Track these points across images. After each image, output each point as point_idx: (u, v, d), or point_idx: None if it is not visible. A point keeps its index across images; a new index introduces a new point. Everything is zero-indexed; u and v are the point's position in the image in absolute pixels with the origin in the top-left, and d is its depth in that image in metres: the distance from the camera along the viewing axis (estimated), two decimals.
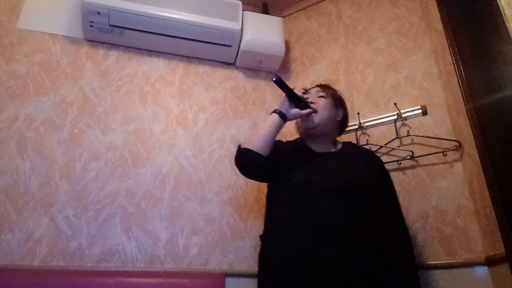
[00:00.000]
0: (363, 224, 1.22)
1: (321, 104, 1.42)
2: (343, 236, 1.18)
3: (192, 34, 1.95)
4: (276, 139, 1.36)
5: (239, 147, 1.34)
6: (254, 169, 1.36)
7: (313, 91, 1.49)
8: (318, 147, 1.43)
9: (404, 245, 1.33)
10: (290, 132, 1.86)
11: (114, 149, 1.77)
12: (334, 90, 1.53)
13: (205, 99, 2.03)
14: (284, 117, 1.35)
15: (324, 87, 1.52)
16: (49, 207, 1.59)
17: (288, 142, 1.53)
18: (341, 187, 1.25)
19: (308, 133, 1.45)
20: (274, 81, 1.32)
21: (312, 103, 1.41)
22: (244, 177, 1.42)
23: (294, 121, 1.48)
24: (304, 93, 1.51)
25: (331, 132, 1.46)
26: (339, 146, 1.47)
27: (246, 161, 1.32)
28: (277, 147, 1.38)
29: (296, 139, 1.53)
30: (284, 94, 1.37)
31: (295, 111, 1.36)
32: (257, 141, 1.30)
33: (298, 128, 1.54)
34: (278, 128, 1.34)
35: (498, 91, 1.34)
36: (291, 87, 1.38)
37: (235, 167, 1.37)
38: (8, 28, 1.83)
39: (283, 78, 2.22)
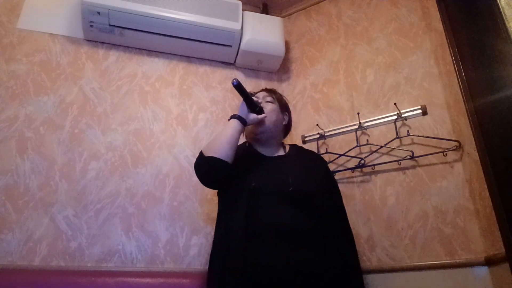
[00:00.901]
0: (312, 226, 1.25)
1: (268, 109, 1.45)
2: (294, 237, 1.21)
3: (192, 34, 1.95)
4: None
5: (202, 154, 1.30)
6: (220, 178, 1.32)
7: (260, 95, 1.52)
8: (266, 151, 1.45)
9: (349, 246, 1.38)
10: None
11: (114, 149, 1.77)
12: (280, 95, 1.56)
13: (205, 99, 2.03)
14: (244, 122, 1.36)
15: (271, 91, 1.55)
16: (49, 207, 1.59)
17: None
18: (296, 190, 1.27)
19: (256, 137, 1.47)
20: (234, 85, 1.32)
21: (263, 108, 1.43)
22: None
23: None
24: (253, 95, 1.52)
25: (277, 136, 1.50)
26: (287, 149, 1.51)
27: (213, 170, 1.28)
28: None
29: (243, 144, 1.51)
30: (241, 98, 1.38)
31: (254, 116, 1.38)
32: (222, 148, 1.27)
33: (244, 133, 1.52)
34: (240, 133, 1.34)
35: (498, 91, 1.34)
36: (248, 90, 1.40)
37: None
38: (8, 28, 1.83)
39: (282, 78, 2.24)
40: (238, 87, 1.33)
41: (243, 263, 1.17)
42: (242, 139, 1.45)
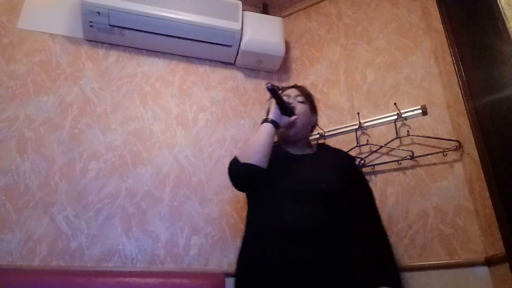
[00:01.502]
0: (341, 224, 1.24)
1: (300, 111, 1.42)
2: (325, 236, 1.20)
3: (192, 34, 1.95)
4: None
5: (237, 160, 1.31)
6: (254, 184, 1.32)
7: (292, 93, 1.48)
8: (294, 150, 1.45)
9: (383, 244, 1.33)
10: None
11: (114, 149, 1.77)
12: (309, 93, 1.53)
13: (205, 99, 2.03)
14: (276, 126, 1.35)
15: (302, 90, 1.51)
16: (49, 207, 1.59)
17: None
18: (326, 189, 1.26)
19: (287, 139, 1.46)
20: (269, 89, 1.30)
21: (294, 108, 1.41)
22: None
23: None
24: (282, 93, 1.51)
25: (307, 136, 1.50)
26: (315, 148, 1.50)
27: (248, 177, 1.29)
28: None
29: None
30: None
31: (286, 119, 1.37)
32: (258, 155, 1.27)
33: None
34: (273, 137, 1.33)
35: (498, 91, 1.34)
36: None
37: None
38: (8, 28, 1.83)
39: (282, 78, 2.24)
40: (272, 91, 1.30)
41: (272, 261, 1.18)
42: None
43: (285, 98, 1.44)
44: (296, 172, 1.34)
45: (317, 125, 1.57)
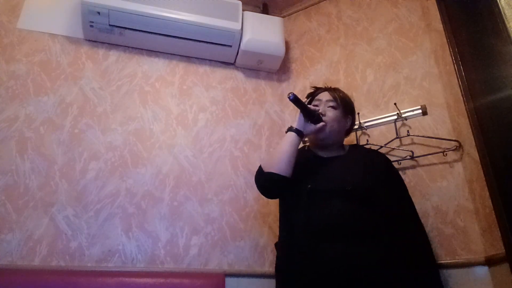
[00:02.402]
0: (373, 222, 1.26)
1: (330, 116, 1.41)
2: (356, 235, 1.22)
3: (192, 34, 1.95)
4: None
5: (262, 170, 1.33)
6: (279, 192, 1.38)
7: (323, 98, 1.46)
8: (325, 153, 1.45)
9: (419, 242, 1.34)
10: None
11: (114, 149, 1.77)
12: (343, 95, 1.50)
13: (205, 99, 2.03)
14: (301, 135, 1.35)
15: (334, 92, 1.48)
16: (49, 207, 1.59)
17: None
18: (353, 189, 1.27)
19: (317, 143, 1.47)
20: (291, 99, 1.29)
21: (322, 114, 1.40)
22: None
23: None
24: (313, 98, 1.51)
25: (339, 140, 1.49)
26: (346, 149, 1.49)
27: (273, 187, 1.33)
28: None
29: (303, 147, 1.54)
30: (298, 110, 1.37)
31: (311, 128, 1.37)
32: (281, 164, 1.30)
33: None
34: (297, 145, 1.35)
35: (498, 91, 1.34)
36: (306, 99, 1.39)
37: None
38: (8, 28, 1.83)
39: (282, 78, 2.24)
40: (295, 100, 1.30)
41: (304, 261, 1.21)
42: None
43: (316, 103, 1.45)
44: (324, 174, 1.36)
45: (353, 127, 1.55)
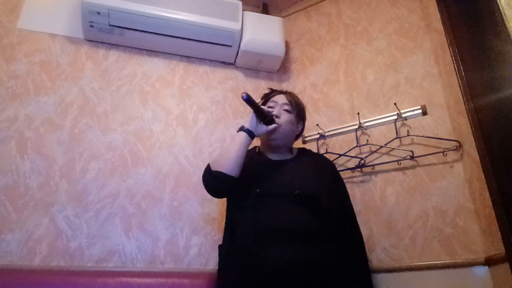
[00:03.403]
0: (317, 227, 1.28)
1: (284, 119, 1.43)
2: (299, 238, 1.24)
3: (192, 34, 1.95)
4: None
5: (210, 168, 1.33)
6: (226, 191, 1.38)
7: (279, 100, 1.48)
8: (274, 156, 1.47)
9: (358, 246, 1.41)
10: None
11: (114, 149, 1.77)
12: (298, 101, 1.53)
13: (205, 99, 2.03)
14: (252, 135, 1.36)
15: (291, 96, 1.51)
16: (49, 207, 1.59)
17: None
18: (301, 193, 1.29)
19: (267, 144, 1.48)
20: (244, 99, 1.30)
21: (276, 116, 1.42)
22: None
23: None
24: (267, 99, 1.52)
25: (288, 144, 1.51)
26: (295, 153, 1.52)
27: (219, 185, 1.33)
28: None
29: (253, 149, 1.53)
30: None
31: (262, 128, 1.38)
32: (229, 163, 1.30)
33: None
34: (247, 146, 1.35)
35: (498, 91, 1.34)
36: (253, 96, 1.39)
37: None
38: (8, 28, 1.83)
39: (282, 78, 2.24)
40: (248, 100, 1.31)
41: (249, 263, 1.21)
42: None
43: (271, 104, 1.47)
44: (273, 177, 1.37)
45: (302, 133, 1.60)
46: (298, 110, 1.50)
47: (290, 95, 1.52)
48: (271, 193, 1.31)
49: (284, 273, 1.18)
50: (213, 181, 1.32)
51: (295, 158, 1.49)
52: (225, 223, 1.42)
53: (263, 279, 1.18)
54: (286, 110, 1.46)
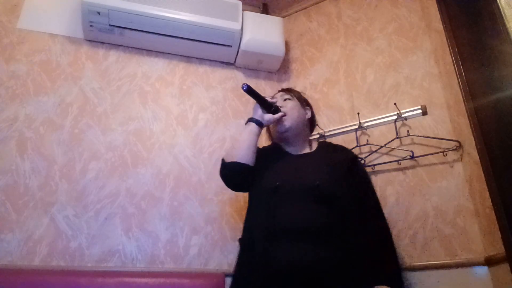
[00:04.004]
0: (336, 223, 1.23)
1: (288, 107, 1.46)
2: (316, 234, 1.20)
3: (192, 34, 1.95)
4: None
5: (224, 161, 1.35)
6: (244, 181, 1.36)
7: (278, 95, 1.52)
8: (293, 149, 1.46)
9: (384, 242, 1.30)
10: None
11: (114, 149, 1.77)
12: (297, 92, 1.57)
13: (205, 99, 2.03)
14: (260, 124, 1.38)
15: (287, 90, 1.56)
16: (49, 207, 1.59)
17: (264, 148, 1.53)
18: (320, 188, 1.26)
19: (282, 136, 1.47)
20: (244, 90, 1.33)
21: (280, 107, 1.44)
22: None
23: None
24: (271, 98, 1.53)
25: (302, 132, 1.49)
26: (315, 147, 1.50)
27: (234, 175, 1.34)
28: (257, 155, 1.40)
29: (272, 145, 1.55)
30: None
31: (269, 116, 1.39)
32: (240, 152, 1.32)
33: (270, 135, 1.59)
34: (257, 135, 1.37)
35: (498, 91, 1.34)
36: (262, 94, 1.41)
37: None
38: (8, 28, 1.83)
39: (282, 79, 2.24)
40: (249, 91, 1.33)
41: (264, 259, 1.18)
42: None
43: (272, 100, 1.46)
44: (293, 171, 1.35)
45: (315, 120, 1.58)
46: (298, 96, 1.53)
47: (285, 89, 1.56)
48: (289, 188, 1.28)
49: (297, 272, 1.15)
50: (228, 171, 1.33)
51: (315, 152, 1.46)
52: (245, 219, 1.40)
53: (278, 278, 1.16)
54: (287, 99, 1.49)
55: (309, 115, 1.54)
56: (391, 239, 1.31)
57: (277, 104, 1.44)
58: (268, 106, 1.39)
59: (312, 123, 1.56)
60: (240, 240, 1.37)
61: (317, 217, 1.22)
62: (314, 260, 1.16)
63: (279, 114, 1.40)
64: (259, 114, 1.38)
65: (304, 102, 1.54)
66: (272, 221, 1.23)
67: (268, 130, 1.60)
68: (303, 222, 1.21)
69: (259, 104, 1.39)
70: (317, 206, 1.24)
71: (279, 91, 1.57)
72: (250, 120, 1.38)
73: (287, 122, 1.42)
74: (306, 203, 1.24)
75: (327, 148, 1.51)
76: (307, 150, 1.47)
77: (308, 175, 1.31)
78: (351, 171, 1.38)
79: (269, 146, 1.55)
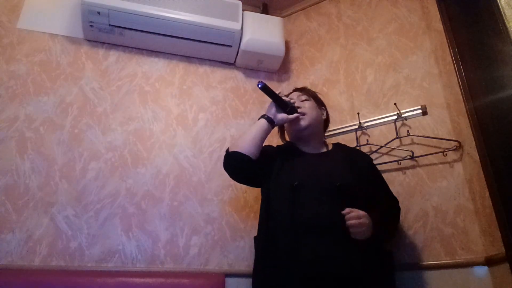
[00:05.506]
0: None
1: (307, 107, 1.48)
2: (337, 232, 1.21)
3: (192, 34, 1.95)
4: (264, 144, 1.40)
5: (227, 150, 1.37)
6: (241, 171, 1.38)
7: (294, 95, 1.54)
8: (309, 149, 1.47)
9: (392, 208, 1.42)
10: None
11: (114, 149, 1.77)
12: (313, 92, 1.60)
13: (205, 99, 2.03)
14: (271, 122, 1.39)
15: (303, 90, 1.58)
16: (49, 207, 1.59)
17: (278, 146, 1.55)
18: (342, 186, 1.27)
19: (299, 135, 1.49)
20: (260, 88, 1.34)
21: (298, 107, 1.45)
22: None
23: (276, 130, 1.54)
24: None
25: (319, 132, 1.53)
26: (330, 146, 1.53)
27: (235, 164, 1.35)
28: (270, 152, 1.43)
29: (286, 143, 1.57)
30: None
31: (282, 116, 1.40)
32: (244, 144, 1.34)
33: (282, 134, 1.62)
34: (266, 132, 1.37)
35: (498, 91, 1.34)
36: (278, 91, 1.42)
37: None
38: (8, 28, 1.83)
39: (282, 78, 2.24)
40: (264, 88, 1.34)
41: (289, 255, 1.19)
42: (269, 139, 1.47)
43: (285, 98, 1.46)
44: (311, 170, 1.36)
45: (329, 121, 1.63)
46: (314, 96, 1.56)
47: (300, 89, 1.59)
48: (309, 186, 1.29)
49: (322, 268, 1.16)
50: (229, 160, 1.35)
51: (331, 152, 1.48)
52: (260, 215, 1.41)
53: (302, 274, 1.16)
54: (305, 100, 1.51)
55: (325, 115, 1.58)
56: (397, 215, 1.41)
57: (295, 105, 1.45)
58: (284, 105, 1.39)
59: (326, 123, 1.60)
60: (257, 238, 1.38)
61: (340, 213, 1.22)
62: (339, 255, 1.18)
63: (295, 115, 1.41)
64: (272, 112, 1.40)
65: (320, 103, 1.57)
66: (298, 218, 1.24)
67: (280, 130, 1.63)
68: (327, 218, 1.23)
69: (275, 103, 1.39)
70: (339, 204, 1.24)
71: (294, 90, 1.59)
72: (262, 116, 1.40)
73: (306, 122, 1.44)
74: (329, 200, 1.26)
75: (344, 149, 1.53)
76: (324, 150, 1.49)
77: (330, 174, 1.33)
78: (370, 173, 1.43)
79: (283, 144, 1.56)
